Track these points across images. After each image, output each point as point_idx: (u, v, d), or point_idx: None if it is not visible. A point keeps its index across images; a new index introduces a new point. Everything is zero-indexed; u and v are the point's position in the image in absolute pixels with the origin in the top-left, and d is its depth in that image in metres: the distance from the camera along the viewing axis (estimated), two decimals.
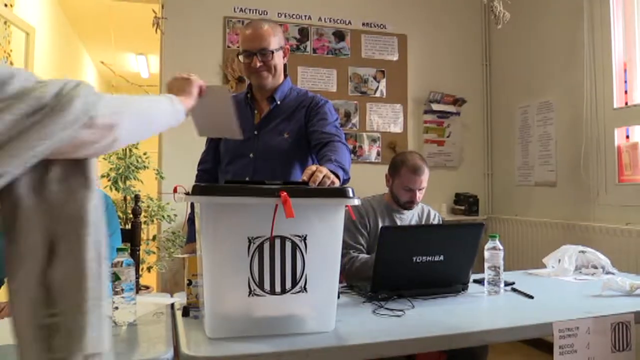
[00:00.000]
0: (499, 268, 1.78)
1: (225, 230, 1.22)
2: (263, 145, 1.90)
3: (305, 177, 1.34)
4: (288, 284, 1.27)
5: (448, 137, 4.20)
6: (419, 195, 2.19)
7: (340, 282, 2.12)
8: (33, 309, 0.77)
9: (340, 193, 1.29)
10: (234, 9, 3.71)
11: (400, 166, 2.19)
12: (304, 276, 1.28)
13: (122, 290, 1.35)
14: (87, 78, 7.04)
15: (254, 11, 3.75)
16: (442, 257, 1.72)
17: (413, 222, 2.29)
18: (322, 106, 1.91)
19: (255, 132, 1.91)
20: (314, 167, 1.38)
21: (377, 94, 4.04)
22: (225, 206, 1.21)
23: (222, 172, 1.99)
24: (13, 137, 0.70)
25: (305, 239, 1.28)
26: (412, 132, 4.11)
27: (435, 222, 2.34)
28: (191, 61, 3.59)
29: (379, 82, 4.04)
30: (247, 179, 1.85)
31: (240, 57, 1.89)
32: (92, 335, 0.78)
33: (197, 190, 1.20)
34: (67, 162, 0.82)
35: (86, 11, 5.18)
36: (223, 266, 1.23)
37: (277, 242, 1.26)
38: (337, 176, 1.47)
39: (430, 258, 1.71)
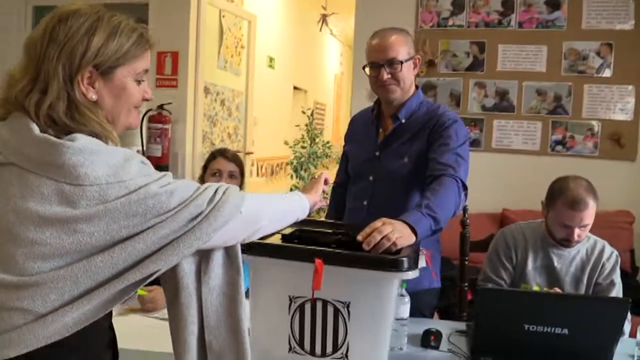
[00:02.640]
0: None
1: (267, 286, 1.23)
2: (383, 169, 1.78)
3: (360, 237, 1.22)
4: (329, 348, 1.22)
5: None
6: (579, 232, 1.76)
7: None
8: None
9: (389, 264, 1.15)
10: None
11: (556, 196, 1.78)
12: (345, 343, 1.21)
13: None
14: (329, 47, 7.55)
15: None
16: (565, 331, 1.39)
17: (576, 262, 1.86)
18: (447, 128, 1.68)
19: (377, 153, 1.80)
20: (378, 224, 1.25)
21: (601, 74, 3.30)
22: (268, 263, 1.21)
23: (349, 189, 1.95)
24: (175, 239, 0.87)
25: (348, 306, 1.19)
26: None
27: (609, 264, 1.86)
28: None
29: (603, 58, 3.29)
30: (364, 203, 1.79)
31: (366, 70, 1.79)
32: None
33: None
34: (224, 251, 1.00)
35: None
36: (266, 319, 1.25)
37: (319, 304, 1.21)
38: (414, 231, 1.30)
39: (548, 329, 1.39)
